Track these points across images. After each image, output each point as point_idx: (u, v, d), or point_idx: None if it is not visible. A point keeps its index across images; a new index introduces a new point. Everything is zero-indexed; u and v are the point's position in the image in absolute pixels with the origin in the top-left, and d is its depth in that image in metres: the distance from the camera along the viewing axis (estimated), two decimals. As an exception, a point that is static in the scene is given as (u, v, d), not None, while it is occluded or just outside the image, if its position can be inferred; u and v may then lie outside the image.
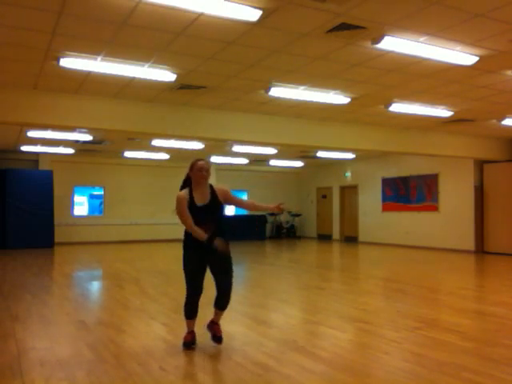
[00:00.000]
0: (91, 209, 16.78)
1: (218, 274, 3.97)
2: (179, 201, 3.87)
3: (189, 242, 3.95)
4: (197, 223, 3.84)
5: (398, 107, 8.32)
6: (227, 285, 3.97)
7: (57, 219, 14.39)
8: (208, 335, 4.12)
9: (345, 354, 3.94)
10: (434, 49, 5.35)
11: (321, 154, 13.86)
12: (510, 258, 11.39)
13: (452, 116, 9.06)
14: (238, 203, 4.23)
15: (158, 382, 3.27)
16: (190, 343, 3.99)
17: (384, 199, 15.45)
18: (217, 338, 4.03)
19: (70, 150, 13.49)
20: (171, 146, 12.28)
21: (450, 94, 7.49)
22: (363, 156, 15.25)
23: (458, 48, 5.39)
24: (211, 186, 3.98)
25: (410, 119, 9.42)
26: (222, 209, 4.03)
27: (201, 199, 3.89)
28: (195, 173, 3.89)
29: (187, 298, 3.99)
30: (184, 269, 3.98)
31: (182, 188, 3.98)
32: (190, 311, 4.00)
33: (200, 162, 3.91)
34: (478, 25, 4.73)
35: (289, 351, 3.93)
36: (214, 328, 4.07)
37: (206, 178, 3.91)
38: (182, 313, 4.05)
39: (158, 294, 6.73)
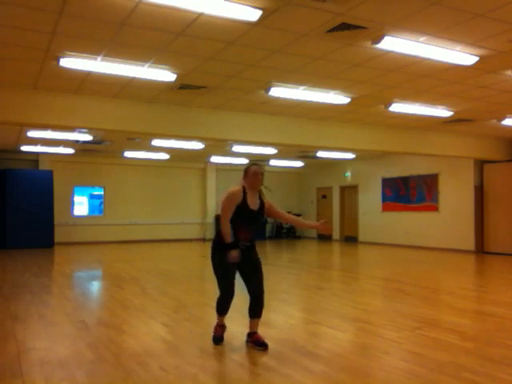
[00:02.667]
0: (91, 209, 16.78)
1: (252, 278, 4.01)
2: (231, 196, 3.88)
3: (225, 244, 3.90)
4: (241, 226, 3.88)
5: (397, 107, 8.32)
6: (259, 291, 4.02)
7: (57, 219, 14.39)
8: (207, 336, 4.12)
9: (345, 353, 3.94)
10: (434, 49, 5.34)
11: (321, 154, 13.86)
12: (509, 257, 11.39)
13: (452, 116, 9.06)
14: (279, 216, 4.21)
15: (158, 382, 3.27)
16: (220, 338, 4.06)
17: (384, 199, 15.45)
18: (260, 343, 3.96)
19: (70, 150, 13.48)
20: (171, 146, 12.28)
21: (449, 94, 7.49)
22: (363, 156, 15.25)
23: (458, 48, 5.39)
24: (260, 194, 4.05)
25: (410, 119, 9.42)
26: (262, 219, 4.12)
27: (253, 204, 3.95)
28: (250, 177, 3.94)
29: (222, 297, 4.02)
30: (216, 268, 3.99)
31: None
32: (224, 308, 4.06)
33: (254, 167, 3.97)
34: (478, 25, 4.73)
35: (289, 351, 3.93)
36: (254, 337, 4.03)
37: (262, 182, 3.98)
38: (215, 309, 4.11)
39: (157, 294, 6.73)
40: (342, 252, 14.09)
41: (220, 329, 4.13)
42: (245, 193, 3.91)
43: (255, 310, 4.04)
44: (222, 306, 4.05)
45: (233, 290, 4.00)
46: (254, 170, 3.94)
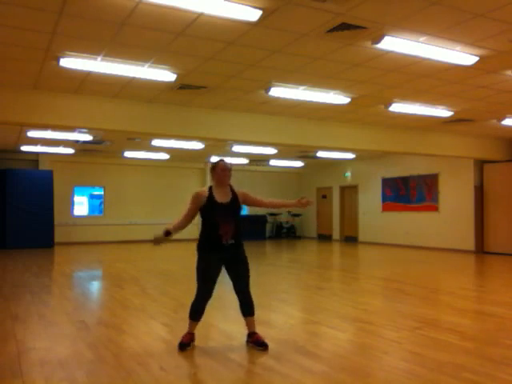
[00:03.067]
0: (91, 209, 16.78)
1: (236, 277, 4.00)
2: (194, 196, 3.96)
3: (208, 244, 3.95)
4: (219, 222, 3.88)
5: (398, 107, 8.32)
6: (244, 289, 4.00)
7: (57, 219, 14.39)
8: (207, 336, 4.12)
9: (345, 353, 3.94)
10: (434, 49, 5.34)
11: (321, 154, 13.86)
12: (509, 257, 11.39)
13: (452, 116, 9.06)
14: (257, 203, 4.20)
15: (158, 382, 3.27)
16: (186, 345, 3.97)
17: (384, 199, 15.45)
18: (260, 343, 3.96)
19: (70, 150, 13.48)
20: (171, 146, 12.28)
21: (449, 94, 7.49)
22: (363, 156, 15.25)
23: (458, 48, 5.39)
24: (231, 187, 4.06)
25: (410, 119, 9.42)
26: (241, 210, 4.11)
27: (222, 197, 3.95)
28: (219, 173, 3.97)
29: (196, 300, 3.99)
30: (198, 271, 3.98)
31: None
32: (196, 313, 4.00)
33: (222, 163, 4.01)
34: (478, 25, 4.73)
35: (289, 351, 3.93)
36: (255, 337, 4.02)
37: (230, 177, 4.01)
38: (187, 313, 4.06)
39: (157, 293, 6.73)
40: (342, 252, 14.09)
41: (189, 336, 4.02)
42: (210, 191, 3.95)
43: (245, 308, 4.04)
44: (195, 310, 4.00)
45: (208, 295, 3.97)
46: (222, 166, 3.98)
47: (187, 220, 4.00)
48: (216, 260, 3.94)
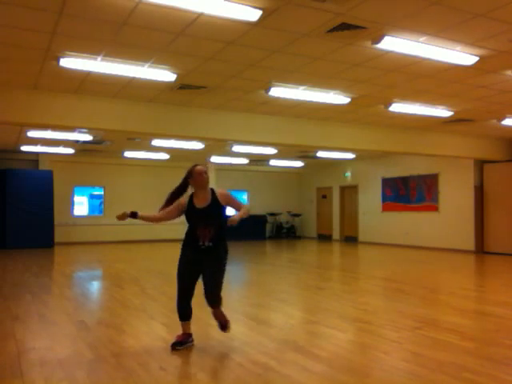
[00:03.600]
0: (91, 209, 16.78)
1: (206, 275, 3.95)
2: (177, 203, 4.02)
3: (186, 242, 4.02)
4: (196, 226, 3.92)
5: (398, 107, 8.32)
6: (209, 286, 3.91)
7: (57, 219, 14.39)
8: (207, 336, 4.12)
9: (345, 353, 3.94)
10: (434, 49, 5.34)
11: (321, 154, 13.86)
12: (509, 258, 11.39)
13: (452, 116, 9.06)
14: (235, 206, 4.12)
15: (158, 382, 3.27)
16: (177, 343, 3.96)
17: (384, 199, 15.45)
18: (221, 325, 4.06)
19: (70, 150, 13.48)
20: (171, 146, 12.28)
21: (450, 94, 7.49)
22: (363, 156, 15.25)
23: (458, 48, 5.39)
24: (212, 190, 4.04)
25: (410, 119, 9.42)
26: (222, 213, 4.04)
27: (201, 202, 3.96)
28: (196, 177, 3.97)
29: (177, 299, 4.03)
30: (177, 267, 4.03)
31: (173, 194, 4.07)
32: (180, 312, 4.02)
33: (199, 167, 4.01)
34: (478, 25, 4.73)
35: (289, 351, 3.93)
36: (217, 316, 4.06)
37: (207, 179, 4.00)
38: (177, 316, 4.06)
39: (157, 294, 6.73)
40: (342, 252, 14.09)
41: (182, 336, 4.02)
42: (191, 197, 4.00)
43: (207, 299, 3.94)
44: (178, 309, 4.02)
45: (185, 293, 3.96)
46: (199, 170, 3.98)
47: (160, 218, 4.11)
48: (190, 259, 3.95)
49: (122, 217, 4.07)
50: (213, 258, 3.95)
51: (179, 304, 4.02)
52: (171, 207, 4.04)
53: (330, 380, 3.31)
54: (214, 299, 3.97)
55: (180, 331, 4.06)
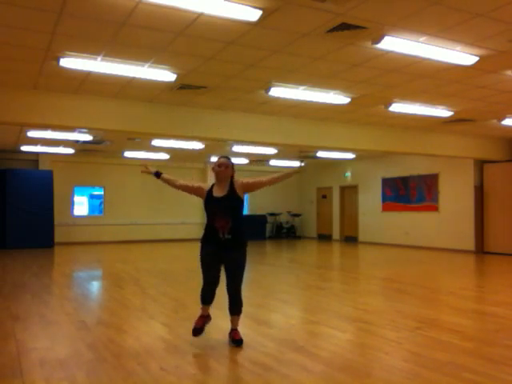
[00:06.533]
0: (91, 209, 16.78)
1: (228, 276, 4.12)
2: (200, 185, 4.27)
3: (206, 237, 4.16)
4: (213, 215, 4.06)
5: (398, 107, 8.32)
6: (232, 290, 4.10)
7: (57, 219, 14.39)
8: (207, 336, 4.12)
9: (345, 353, 3.94)
10: (434, 49, 5.34)
11: (321, 154, 13.86)
12: (509, 258, 11.39)
13: (452, 116, 9.06)
14: (258, 185, 4.21)
15: (158, 382, 3.27)
16: (199, 329, 4.13)
17: (384, 199, 15.45)
18: (234, 340, 4.11)
19: (70, 150, 13.48)
20: (171, 146, 12.28)
21: (450, 94, 7.49)
22: (363, 156, 15.25)
23: (458, 48, 5.39)
24: (232, 182, 4.14)
25: (410, 119, 9.42)
26: (240, 205, 4.14)
27: (218, 192, 4.11)
28: (215, 168, 4.14)
29: (203, 286, 4.19)
30: (200, 260, 4.19)
31: None
32: (204, 296, 4.20)
33: (220, 159, 4.17)
34: (478, 25, 4.73)
35: (289, 351, 3.93)
36: (232, 334, 4.17)
37: (224, 172, 4.10)
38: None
39: (157, 293, 6.73)
40: (342, 252, 14.09)
41: (201, 320, 4.19)
42: (211, 188, 4.16)
43: (230, 308, 4.17)
44: (202, 295, 4.21)
45: (211, 281, 4.12)
46: (218, 162, 4.14)
47: (180, 186, 4.30)
48: (212, 251, 4.10)
49: (145, 171, 4.33)
50: (237, 260, 4.08)
51: (204, 290, 4.18)
52: (194, 184, 4.28)
53: (330, 380, 3.31)
54: (238, 303, 4.14)
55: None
